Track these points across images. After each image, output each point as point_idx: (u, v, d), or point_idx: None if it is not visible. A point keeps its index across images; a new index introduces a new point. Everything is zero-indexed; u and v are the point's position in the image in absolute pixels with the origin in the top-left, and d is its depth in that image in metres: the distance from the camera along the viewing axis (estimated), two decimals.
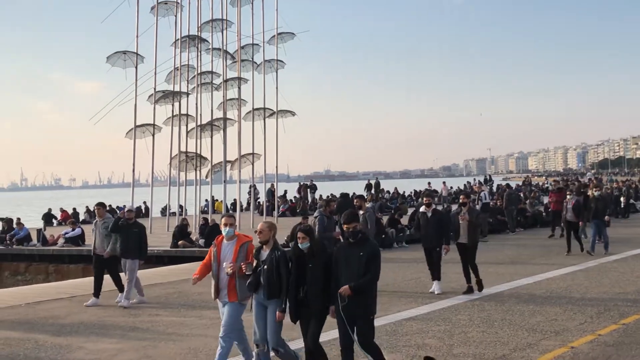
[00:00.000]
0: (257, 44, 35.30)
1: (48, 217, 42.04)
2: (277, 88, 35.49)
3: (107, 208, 16.99)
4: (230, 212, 33.08)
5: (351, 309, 7.71)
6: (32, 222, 39.32)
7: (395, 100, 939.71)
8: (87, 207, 45.82)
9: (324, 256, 8.06)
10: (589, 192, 22.63)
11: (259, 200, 42.50)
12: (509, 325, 11.08)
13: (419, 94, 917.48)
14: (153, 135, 32.21)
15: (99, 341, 10.95)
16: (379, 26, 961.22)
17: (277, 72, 35.64)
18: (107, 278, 14.60)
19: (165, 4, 32.67)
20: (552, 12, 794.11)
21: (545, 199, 34.32)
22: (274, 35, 35.57)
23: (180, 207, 34.67)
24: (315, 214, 15.93)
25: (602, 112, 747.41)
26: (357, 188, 47.79)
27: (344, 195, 22.19)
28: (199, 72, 33.26)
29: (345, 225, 8.08)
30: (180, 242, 24.00)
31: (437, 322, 11.50)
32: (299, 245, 8.08)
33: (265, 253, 8.26)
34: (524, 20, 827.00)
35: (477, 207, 27.45)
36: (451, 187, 52.62)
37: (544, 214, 30.68)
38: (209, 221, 25.37)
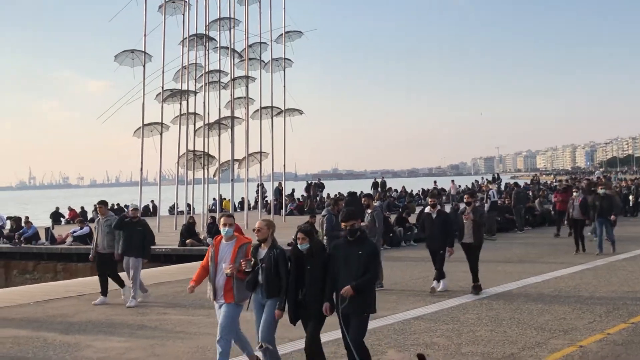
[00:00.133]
0: (265, 43, 35.40)
1: (56, 216, 42.15)
2: (284, 87, 35.61)
3: (109, 206, 16.99)
4: (230, 211, 33.02)
5: (346, 308, 7.66)
6: (40, 221, 39.41)
7: (403, 99, 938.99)
8: (94, 205, 45.87)
9: (323, 257, 7.96)
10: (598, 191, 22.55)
11: (266, 199, 42.52)
12: (517, 324, 11.04)
13: (426, 93, 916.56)
14: (161, 134, 32.29)
15: (107, 339, 10.97)
16: (385, 25, 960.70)
17: (284, 71, 35.77)
18: (122, 275, 14.61)
19: (173, 2, 32.72)
20: (556, 10, 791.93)
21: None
22: (282, 34, 35.63)
23: (188, 205, 34.73)
24: (324, 212, 15.90)
25: (611, 111, 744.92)
26: (364, 187, 47.77)
27: (352, 194, 22.15)
28: (206, 70, 33.32)
29: (343, 223, 8.02)
30: (188, 241, 24.05)
31: (445, 320, 11.47)
32: (299, 246, 7.97)
33: (263, 251, 8.14)
34: (529, 18, 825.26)
35: (486, 205, 27.45)
36: (459, 186, 52.51)
37: (552, 212, 30.59)
38: (217, 220, 25.38)
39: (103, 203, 15.21)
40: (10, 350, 10.46)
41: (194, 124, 33.39)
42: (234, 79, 33.33)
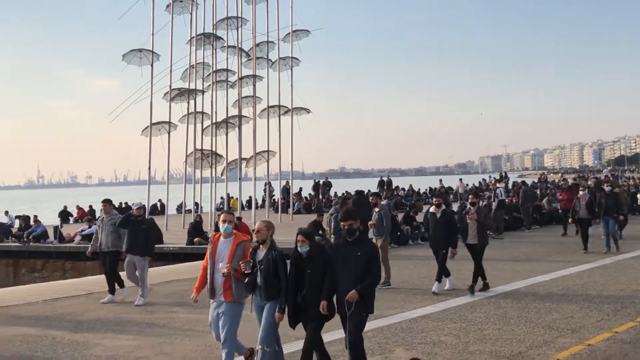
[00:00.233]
0: (272, 42, 35.40)
1: (64, 215, 42.27)
2: (292, 85, 35.62)
3: (117, 205, 17.01)
4: (238, 210, 33.04)
5: (346, 309, 7.61)
6: (49, 219, 39.52)
7: (410, 97, 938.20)
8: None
9: (323, 260, 7.84)
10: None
11: (274, 197, 42.53)
12: (525, 322, 11.04)
13: (433, 92, 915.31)
14: (169, 133, 32.32)
15: (116, 338, 11.00)
16: (391, 23, 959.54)
17: (292, 70, 35.76)
18: (122, 275, 14.64)
19: (181, 1, 32.72)
20: (566, 8, 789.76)
21: None
22: (289, 33, 35.64)
23: (196, 204, 34.77)
24: (331, 211, 15.93)
25: (619, 109, 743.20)
26: (371, 185, 47.83)
27: (359, 193, 22.15)
28: (214, 69, 33.33)
29: (342, 223, 7.94)
30: (196, 239, 24.11)
31: (453, 319, 11.47)
32: (298, 248, 7.87)
33: (262, 253, 8.02)
34: (538, 16, 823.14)
35: (493, 204, 27.38)
36: (467, 185, 52.43)
37: (559, 211, 30.50)
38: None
39: (107, 201, 15.22)
40: (19, 348, 10.51)
41: (202, 123, 33.42)
42: (241, 78, 33.34)
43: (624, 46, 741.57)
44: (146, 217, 15.20)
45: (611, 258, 18.57)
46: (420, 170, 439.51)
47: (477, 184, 55.26)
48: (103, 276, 14.99)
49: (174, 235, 26.54)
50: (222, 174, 34.69)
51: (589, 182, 35.35)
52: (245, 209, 39.73)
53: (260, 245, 8.07)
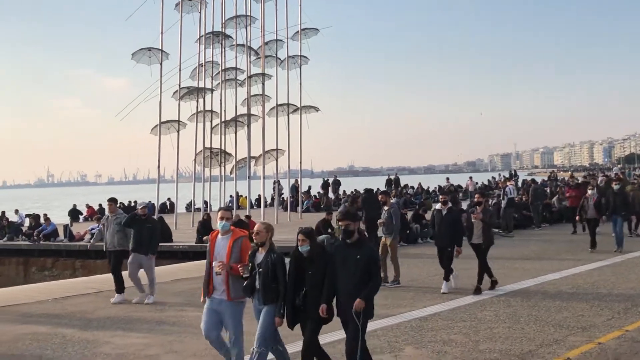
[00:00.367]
0: (281, 40, 35.39)
1: (74, 213, 42.38)
2: (300, 84, 35.62)
3: (126, 204, 17.04)
4: (247, 209, 33.08)
5: (347, 314, 7.48)
6: (59, 218, 39.66)
7: (419, 95, 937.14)
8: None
9: (324, 261, 7.68)
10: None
11: (283, 196, 42.55)
12: (535, 321, 11.01)
13: (442, 90, 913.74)
14: (178, 132, 32.37)
15: (126, 336, 11.03)
16: (400, 21, 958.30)
17: (300, 68, 35.74)
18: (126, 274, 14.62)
19: (190, 0, 32.76)
20: (576, 4, 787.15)
21: None
22: (298, 31, 35.62)
23: (205, 203, 34.81)
24: (341, 209, 15.88)
25: (629, 107, 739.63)
26: (380, 184, 47.79)
27: (369, 191, 22.12)
28: (223, 68, 33.38)
29: (339, 222, 7.80)
30: (205, 238, 24.12)
31: (463, 318, 11.45)
32: (299, 248, 7.73)
33: (261, 256, 7.86)
34: (546, 13, 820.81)
35: (503, 202, 27.31)
36: (477, 183, 52.35)
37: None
38: (234, 217, 25.43)
39: (113, 200, 15.23)
40: (30, 346, 10.54)
41: (211, 122, 33.47)
42: (250, 77, 33.37)
43: (635, 44, 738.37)
44: (156, 215, 15.19)
45: (622, 256, 18.51)
46: (429, 169, 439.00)
47: (486, 182, 55.17)
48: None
49: (183, 234, 26.59)
50: (231, 173, 34.72)
51: (599, 180, 35.18)
52: (255, 207, 39.82)
53: (260, 248, 7.92)
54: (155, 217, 28.17)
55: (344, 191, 45.36)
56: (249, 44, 33.61)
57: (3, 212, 36.23)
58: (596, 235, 20.14)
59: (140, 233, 14.15)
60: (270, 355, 8.04)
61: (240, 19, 33.59)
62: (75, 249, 26.78)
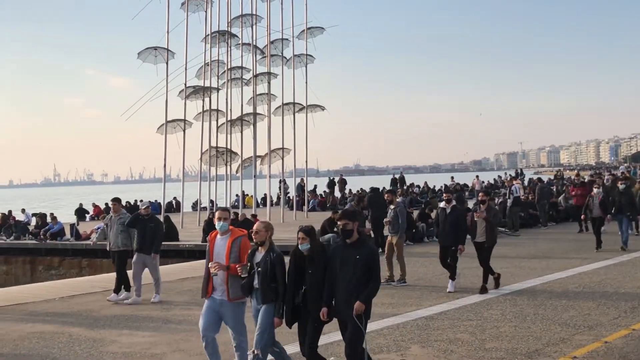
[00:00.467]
0: (287, 39, 35.41)
1: (80, 212, 42.46)
2: (306, 83, 35.64)
3: (133, 203, 17.04)
4: (253, 208, 33.05)
5: (345, 316, 7.39)
6: (66, 217, 39.76)
7: (424, 94, 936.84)
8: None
9: (324, 260, 7.59)
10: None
11: (288, 195, 42.57)
12: (541, 320, 10.99)
13: (447, 88, 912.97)
14: (184, 131, 32.40)
15: (132, 335, 11.05)
16: (405, 19, 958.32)
17: (306, 67, 35.74)
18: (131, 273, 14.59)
19: None
20: (583, 3, 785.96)
21: None
22: (304, 30, 35.64)
23: (211, 202, 34.86)
24: (347, 207, 15.89)
25: (635, 105, 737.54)
26: (386, 182, 47.73)
27: (375, 190, 22.13)
28: (229, 67, 33.40)
29: (337, 221, 7.70)
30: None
31: (469, 316, 11.44)
32: (299, 246, 7.64)
33: (260, 255, 7.81)
34: (553, 11, 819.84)
35: (509, 201, 27.29)
36: (483, 182, 52.28)
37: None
38: (240, 216, 25.46)
39: (117, 200, 15.21)
40: (36, 345, 10.57)
41: (217, 121, 33.49)
42: (256, 76, 33.39)
43: None
44: (162, 214, 15.20)
45: (628, 255, 18.47)
46: (435, 168, 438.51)
47: (492, 181, 55.10)
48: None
49: (190, 233, 26.62)
50: (237, 172, 34.76)
51: (605, 178, 35.07)
52: (261, 206, 39.81)
53: (259, 247, 7.87)
54: (161, 216, 28.28)
55: (350, 190, 45.35)
56: (254, 43, 33.66)
57: (10, 211, 36.33)
58: (601, 234, 20.04)
59: (143, 233, 14.14)
60: (270, 356, 8.02)
61: (246, 18, 33.62)
62: (82, 248, 26.83)
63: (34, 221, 33.12)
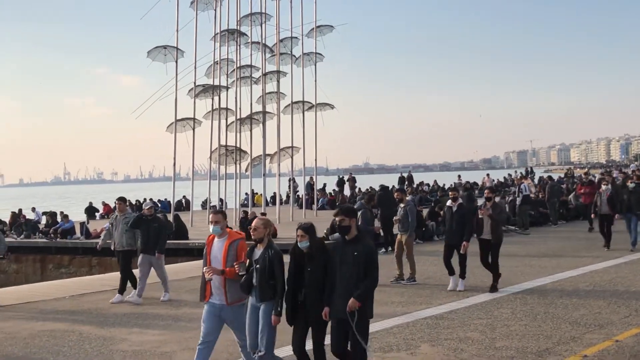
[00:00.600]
0: (296, 37, 35.38)
1: (90, 211, 42.58)
2: (315, 81, 35.61)
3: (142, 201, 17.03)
4: (262, 206, 33.04)
5: (343, 314, 7.20)
6: (75, 215, 39.87)
7: (435, 91, 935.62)
8: (128, 200, 46.43)
9: (324, 258, 7.49)
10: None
11: (298, 193, 42.55)
12: (552, 318, 10.95)
13: (458, 86, 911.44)
14: (193, 129, 32.44)
15: (142, 333, 11.07)
16: (414, 17, 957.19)
17: (315, 65, 35.72)
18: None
19: None
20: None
21: None
22: (313, 28, 35.61)
23: (221, 200, 34.87)
24: (358, 206, 15.86)
25: None
26: (395, 181, 47.66)
27: (384, 189, 22.09)
28: (238, 65, 33.38)
29: (334, 216, 7.57)
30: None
31: (479, 315, 11.41)
32: (298, 244, 7.54)
33: (258, 252, 7.73)
34: (563, 9, 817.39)
35: (518, 199, 27.23)
36: (493, 180, 52.16)
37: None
38: (249, 214, 25.50)
39: (122, 200, 15.17)
40: (47, 343, 10.60)
41: (226, 119, 33.47)
42: (265, 74, 33.37)
43: None
44: (172, 213, 15.19)
45: (639, 254, 18.37)
46: (445, 166, 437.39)
47: (502, 179, 54.97)
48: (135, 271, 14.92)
49: (199, 232, 26.63)
50: (246, 170, 34.75)
51: (615, 176, 34.92)
52: (270, 205, 39.86)
53: (258, 244, 7.79)
54: (171, 214, 28.32)
55: (359, 188, 45.30)
56: (264, 42, 33.62)
57: (20, 210, 36.48)
58: (612, 233, 19.85)
59: (147, 233, 14.10)
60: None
61: (255, 17, 33.60)
62: (92, 246, 26.80)
63: (44, 220, 33.22)
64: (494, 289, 13.55)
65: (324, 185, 46.98)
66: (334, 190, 46.07)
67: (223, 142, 32.91)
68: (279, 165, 34.44)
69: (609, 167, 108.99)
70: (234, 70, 33.41)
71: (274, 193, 40.76)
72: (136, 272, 14.45)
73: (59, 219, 30.88)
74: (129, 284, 14.42)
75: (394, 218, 15.88)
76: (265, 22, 33.70)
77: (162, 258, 14.43)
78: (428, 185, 49.13)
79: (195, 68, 32.50)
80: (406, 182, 47.02)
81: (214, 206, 34.91)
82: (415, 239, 17.99)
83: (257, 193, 41.19)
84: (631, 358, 8.64)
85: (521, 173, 52.18)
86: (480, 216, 13.86)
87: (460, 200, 14.38)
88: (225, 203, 35.74)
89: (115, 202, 15.56)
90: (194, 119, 32.54)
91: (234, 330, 8.07)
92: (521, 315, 11.30)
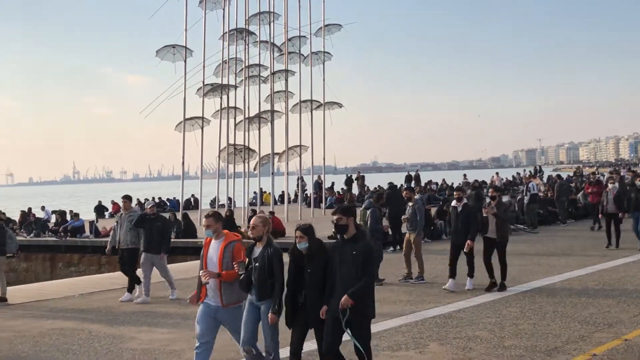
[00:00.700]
0: (304, 36, 35.37)
1: (100, 209, 42.70)
2: (324, 80, 35.57)
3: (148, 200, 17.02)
4: (270, 205, 33.05)
5: (341, 314, 7.05)
6: (84, 214, 40.01)
7: (443, 90, 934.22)
8: (137, 199, 46.53)
9: (324, 259, 7.38)
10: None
11: (306, 192, 42.55)
12: (561, 317, 10.93)
13: (467, 84, 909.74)
14: (202, 128, 32.49)
15: (151, 331, 11.11)
16: (421, 16, 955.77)
17: (324, 64, 35.70)
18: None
19: None
20: None
21: None
22: (321, 27, 35.61)
23: (229, 199, 34.92)
24: (367, 204, 15.84)
25: None
26: (402, 180, 47.61)
27: (392, 187, 22.10)
28: (246, 65, 33.41)
29: (332, 215, 7.45)
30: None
31: (488, 314, 11.40)
32: (297, 245, 7.43)
33: (258, 250, 7.69)
34: (572, 8, 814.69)
35: (525, 198, 27.18)
36: (502, 179, 52.07)
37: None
38: (257, 213, 25.50)
39: (127, 198, 15.13)
40: (56, 341, 10.65)
41: (235, 118, 33.52)
42: (273, 73, 33.39)
43: None
44: (180, 212, 15.19)
45: None
46: (453, 165, 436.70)
47: (511, 178, 54.87)
48: (137, 270, 14.97)
49: None
50: (254, 169, 34.78)
51: (622, 174, 34.79)
52: (278, 203, 39.86)
53: (257, 243, 7.75)
54: (180, 213, 28.40)
55: (367, 187, 45.27)
56: (272, 41, 33.63)
57: (29, 209, 36.63)
58: (620, 232, 19.77)
59: (150, 232, 14.09)
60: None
61: (263, 16, 33.62)
62: (101, 244, 26.92)
63: (53, 218, 33.35)
64: (502, 287, 13.54)
65: (332, 184, 46.98)
66: (342, 189, 46.06)
67: (231, 141, 32.96)
68: (287, 164, 34.45)
69: (617, 166, 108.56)
70: (243, 69, 33.45)
71: (282, 192, 40.73)
72: (139, 271, 14.50)
73: (68, 217, 31.00)
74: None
75: (403, 217, 15.88)
76: (273, 21, 33.74)
77: (165, 258, 14.41)
78: (436, 184, 49.09)
79: (203, 67, 32.60)
80: (413, 181, 46.96)
81: (222, 205, 35.03)
82: (424, 238, 17.99)
83: (265, 192, 41.21)
84: None
85: (530, 172, 52.00)
86: (484, 214, 13.84)
87: (465, 200, 14.33)
88: (234, 202, 35.77)
89: (122, 200, 15.55)
90: (202, 118, 32.60)
91: (231, 332, 8.02)
92: (530, 314, 11.29)
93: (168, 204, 46.19)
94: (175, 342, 10.26)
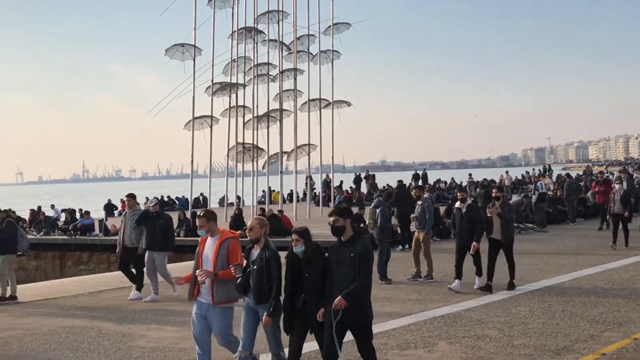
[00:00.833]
0: (313, 35, 35.35)
1: (109, 208, 42.80)
2: (332, 78, 35.54)
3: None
4: (279, 203, 33.06)
5: (344, 317, 6.93)
6: (94, 213, 40.11)
7: (452, 89, 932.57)
8: (146, 197, 46.63)
9: (321, 263, 7.26)
10: None
11: (314, 191, 42.55)
12: (570, 316, 10.90)
13: (476, 83, 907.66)
14: (211, 127, 32.54)
15: (160, 329, 11.13)
16: (430, 15, 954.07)
17: (332, 63, 35.67)
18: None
19: None
20: None
21: None
22: (330, 26, 35.59)
23: (238, 197, 34.97)
24: (376, 203, 15.83)
25: None
26: (409, 179, 47.55)
27: (401, 186, 22.08)
28: (255, 63, 33.46)
29: (329, 216, 7.32)
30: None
31: (497, 313, 11.38)
32: (293, 249, 7.32)
33: (255, 252, 7.62)
34: (581, 6, 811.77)
35: (534, 197, 27.12)
36: (512, 178, 51.91)
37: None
38: (266, 212, 25.54)
39: (132, 196, 15.09)
40: (66, 339, 10.69)
41: (243, 117, 33.58)
42: (282, 72, 33.41)
43: None
44: (189, 210, 15.19)
45: None
46: (462, 163, 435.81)
47: (520, 177, 54.73)
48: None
49: None
50: (263, 168, 34.84)
51: (631, 171, 34.63)
52: (287, 202, 39.89)
53: (254, 245, 7.69)
54: (189, 211, 28.44)
55: (376, 185, 45.22)
56: (281, 39, 33.66)
57: (39, 207, 36.75)
58: (629, 231, 19.67)
59: (153, 230, 14.04)
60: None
61: (272, 14, 33.65)
62: (110, 243, 27.01)
63: (63, 217, 33.45)
64: (511, 286, 13.51)
65: (341, 182, 46.93)
66: (350, 187, 46.04)
67: (240, 140, 33.03)
68: (296, 162, 34.49)
69: (627, 165, 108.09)
70: (251, 68, 33.49)
71: (291, 190, 40.78)
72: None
73: (77, 216, 31.10)
74: (147, 281, 14.41)
75: (412, 215, 15.86)
76: (282, 19, 33.77)
77: (166, 257, 14.34)
78: (445, 182, 49.01)
79: (212, 66, 32.65)
80: (420, 180, 46.90)
81: (231, 203, 35.07)
82: (433, 237, 17.95)
83: (274, 190, 41.25)
84: None
85: (539, 171, 51.82)
86: (489, 215, 13.75)
87: (469, 201, 14.26)
88: (243, 200, 35.81)
89: (126, 199, 15.50)
90: (211, 116, 32.65)
91: (213, 331, 7.96)
92: (539, 313, 11.26)
93: (177, 202, 46.26)
94: (185, 340, 10.26)
